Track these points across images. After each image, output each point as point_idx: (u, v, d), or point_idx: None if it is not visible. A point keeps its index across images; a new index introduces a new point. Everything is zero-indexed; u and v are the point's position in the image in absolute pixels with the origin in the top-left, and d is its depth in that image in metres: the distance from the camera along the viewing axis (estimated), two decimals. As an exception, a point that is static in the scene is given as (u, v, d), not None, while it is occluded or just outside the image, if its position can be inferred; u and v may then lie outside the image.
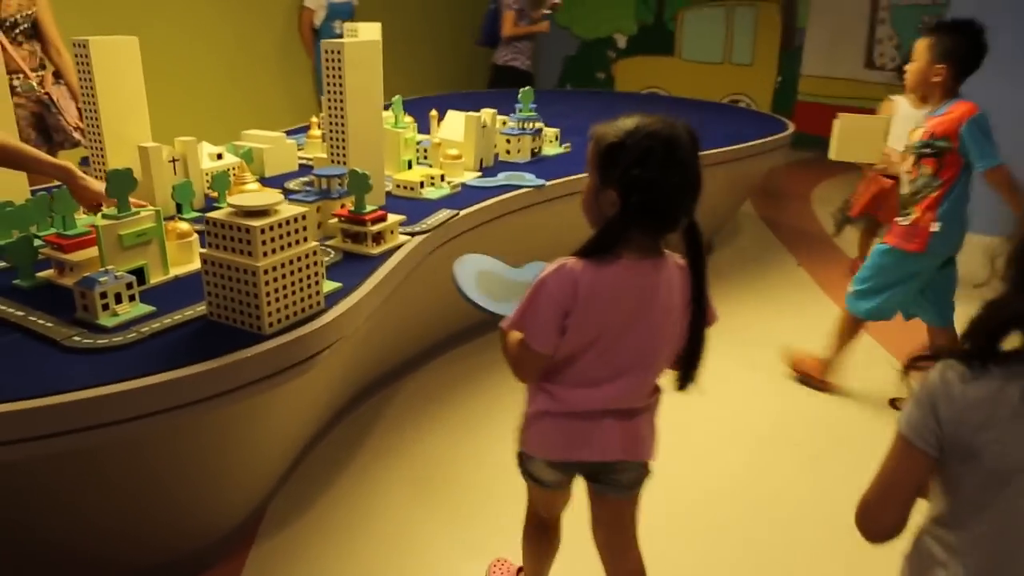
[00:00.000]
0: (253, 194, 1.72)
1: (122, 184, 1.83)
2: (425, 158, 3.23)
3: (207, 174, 2.70)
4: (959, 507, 1.05)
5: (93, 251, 1.88)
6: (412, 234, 2.33)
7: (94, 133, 2.52)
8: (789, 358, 3.07)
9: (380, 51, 2.45)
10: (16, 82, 3.24)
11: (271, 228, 1.62)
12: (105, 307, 1.72)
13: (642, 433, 1.49)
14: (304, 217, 1.69)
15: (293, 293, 1.70)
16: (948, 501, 1.07)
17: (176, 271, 2.00)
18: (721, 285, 3.70)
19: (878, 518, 1.09)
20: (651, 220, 1.32)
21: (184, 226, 2.07)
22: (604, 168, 1.32)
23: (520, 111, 3.37)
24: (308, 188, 2.31)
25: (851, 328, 2.88)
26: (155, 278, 1.95)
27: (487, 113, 3.19)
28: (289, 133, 3.70)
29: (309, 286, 1.74)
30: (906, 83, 2.69)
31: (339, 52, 2.35)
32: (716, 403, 2.78)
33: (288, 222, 1.66)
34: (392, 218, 2.25)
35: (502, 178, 3.00)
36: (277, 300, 1.66)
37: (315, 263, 1.73)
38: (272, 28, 5.83)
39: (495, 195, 2.81)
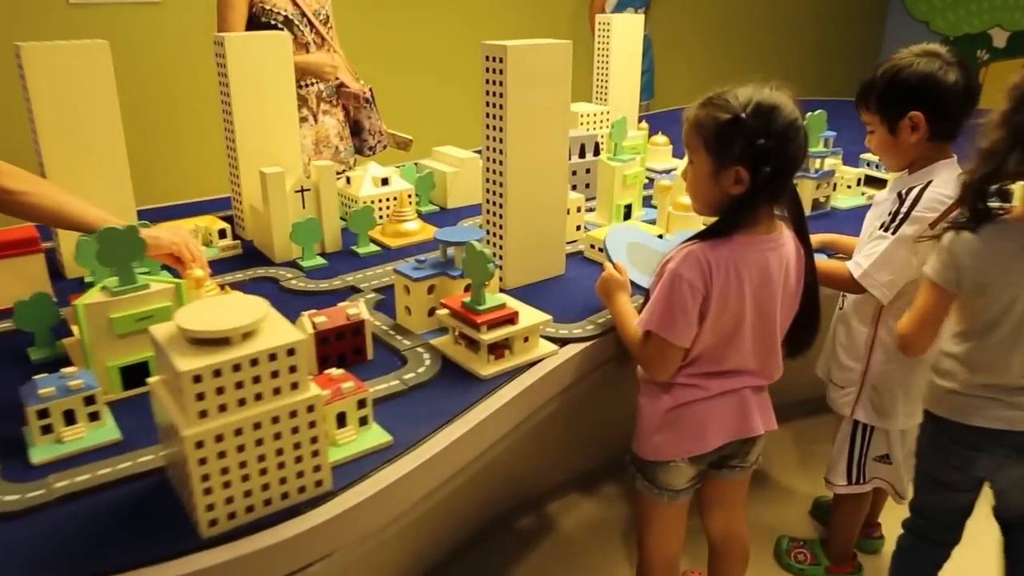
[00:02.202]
0: (228, 299, 1.06)
1: (119, 247, 1.29)
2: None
3: (361, 202, 2.15)
4: (973, 327, 1.43)
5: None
6: (563, 341, 1.53)
7: (231, 155, 2.07)
8: None
9: (568, 56, 1.68)
10: (322, 86, 2.71)
11: (216, 374, 0.95)
12: (46, 430, 1.19)
13: (769, 404, 1.50)
14: (292, 352, 1.00)
15: (263, 473, 1.02)
16: (965, 325, 1.45)
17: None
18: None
19: (919, 342, 1.47)
20: (779, 187, 1.33)
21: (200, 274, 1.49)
22: (723, 147, 1.29)
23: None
24: (420, 259, 1.60)
25: None
26: (171, 374, 1.39)
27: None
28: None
29: (298, 459, 1.05)
30: None
31: (500, 60, 1.61)
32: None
33: (256, 362, 0.98)
34: (528, 319, 1.47)
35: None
36: (226, 486, 0.99)
37: (311, 424, 1.04)
38: (557, 19, 5.23)
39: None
